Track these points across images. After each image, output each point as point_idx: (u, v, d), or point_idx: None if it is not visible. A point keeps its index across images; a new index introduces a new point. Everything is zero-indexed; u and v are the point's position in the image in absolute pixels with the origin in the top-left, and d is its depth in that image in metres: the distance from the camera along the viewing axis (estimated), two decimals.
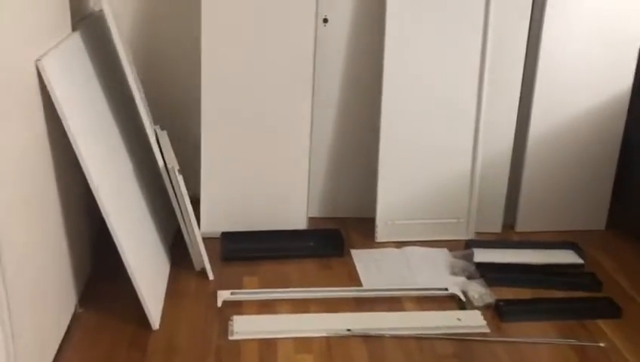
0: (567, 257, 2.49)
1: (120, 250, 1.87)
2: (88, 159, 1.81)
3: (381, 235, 2.58)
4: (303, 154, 2.50)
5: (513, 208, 2.72)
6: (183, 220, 2.22)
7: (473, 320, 2.08)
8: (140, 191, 2.25)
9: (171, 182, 2.16)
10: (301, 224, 2.57)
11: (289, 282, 2.25)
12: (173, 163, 2.16)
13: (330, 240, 2.48)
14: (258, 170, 2.50)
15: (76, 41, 2.07)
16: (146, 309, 1.93)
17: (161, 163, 2.18)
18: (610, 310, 2.18)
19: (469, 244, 2.50)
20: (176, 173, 2.13)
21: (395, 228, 2.57)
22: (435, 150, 2.53)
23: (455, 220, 2.63)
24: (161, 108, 2.58)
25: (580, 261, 2.47)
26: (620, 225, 2.73)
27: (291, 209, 2.54)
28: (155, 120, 2.42)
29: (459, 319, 2.07)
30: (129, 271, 1.89)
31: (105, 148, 2.05)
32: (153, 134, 2.20)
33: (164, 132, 2.34)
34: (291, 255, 2.40)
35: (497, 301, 2.18)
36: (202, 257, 2.21)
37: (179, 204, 2.19)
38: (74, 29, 2.09)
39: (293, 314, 2.07)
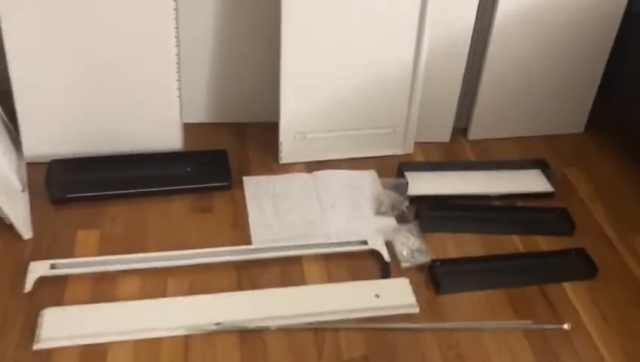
0: (532, 182, 1.88)
1: None
2: None
3: (287, 154, 1.90)
4: (168, 46, 1.71)
5: (467, 109, 2.04)
6: None
7: (398, 296, 1.49)
8: None
9: None
10: (173, 143, 1.85)
11: (145, 237, 1.59)
12: None
13: (213, 166, 1.79)
14: (107, 70, 1.71)
15: None
16: None
17: None
18: (582, 269, 1.61)
19: (403, 168, 1.85)
20: None
21: (306, 144, 1.89)
22: (363, 35, 1.76)
23: (389, 130, 1.95)
24: None
25: (550, 188, 1.88)
26: (603, 126, 2.12)
27: (158, 122, 1.80)
28: None
29: (377, 296, 1.50)
30: None
31: None
32: None
33: None
34: (155, 191, 1.70)
35: (433, 261, 1.61)
36: (5, 204, 1.51)
37: None
38: None
39: (138, 299, 1.43)
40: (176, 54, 1.71)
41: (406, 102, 1.89)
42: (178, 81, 1.74)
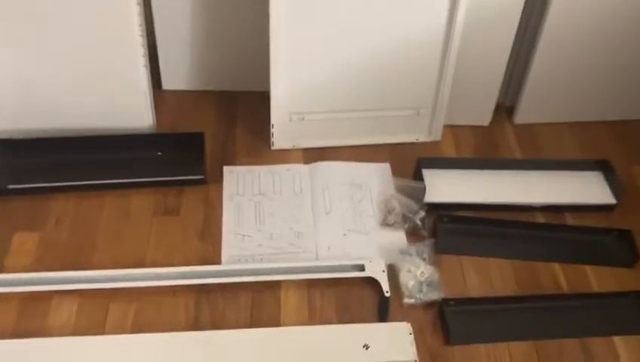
0: (589, 189, 1.47)
1: None
2: None
3: (280, 139, 1.54)
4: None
5: (516, 85, 1.62)
6: None
7: (393, 348, 1.16)
8: None
9: None
10: (140, 121, 1.49)
11: (92, 247, 1.30)
12: None
13: (186, 154, 1.44)
14: (53, 26, 1.35)
15: None
16: None
17: None
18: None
19: (422, 164, 1.46)
20: None
21: (304, 127, 1.53)
22: None
23: (411, 111, 1.57)
24: None
25: (612, 199, 1.47)
26: None
27: (120, 95, 1.45)
28: None
29: (366, 346, 1.18)
30: None
31: None
32: None
33: None
34: (112, 184, 1.40)
35: (445, 301, 1.27)
36: None
37: None
38: None
39: (71, 333, 1.15)
40: (139, 6, 1.34)
41: (435, 75, 1.48)
42: (143, 45, 1.38)
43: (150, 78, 1.43)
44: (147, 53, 1.40)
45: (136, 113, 1.46)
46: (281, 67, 1.41)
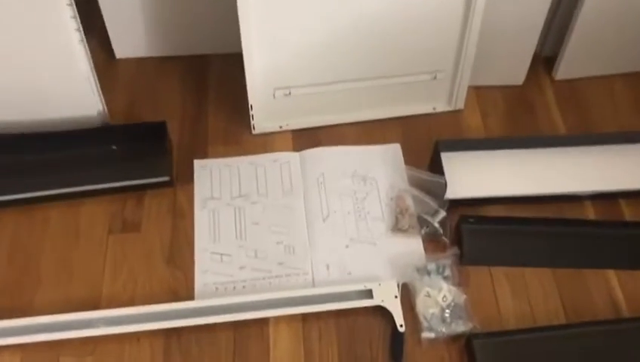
0: None
1: None
2: None
3: (263, 120, 1.22)
4: None
5: (558, 31, 1.29)
6: None
7: None
8: None
9: None
10: (87, 111, 1.18)
11: (35, 282, 1.04)
12: None
13: (147, 149, 1.15)
14: None
15: None
16: None
17: None
18: None
19: (442, 148, 1.15)
20: None
21: (292, 104, 1.21)
22: None
23: (426, 75, 1.24)
24: None
25: None
26: None
27: (57, 79, 1.13)
28: None
29: None
30: None
31: None
32: None
33: None
34: (56, 196, 1.11)
35: (472, 336, 1.02)
36: None
37: None
38: None
39: None
40: None
41: (457, 28, 1.15)
42: (74, 17, 1.03)
43: (90, 55, 1.10)
44: (81, 27, 1.06)
45: (79, 100, 1.15)
46: (254, 29, 1.08)
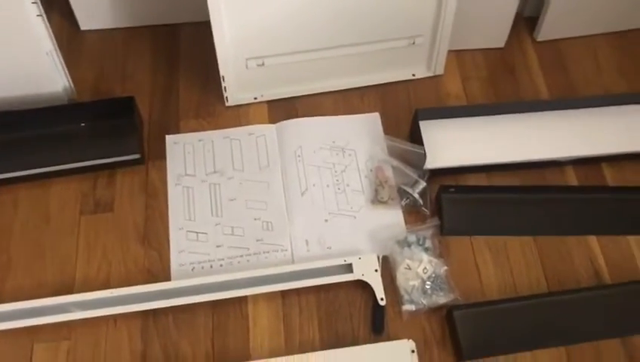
0: (634, 135, 1.14)
1: None
2: None
3: (236, 92, 1.18)
4: None
5: None
6: None
7: None
8: None
9: None
10: (52, 87, 1.13)
11: (5, 266, 1.01)
12: None
13: (115, 125, 1.10)
14: None
15: None
16: None
17: None
18: None
19: (421, 116, 1.12)
20: None
21: (266, 74, 1.16)
22: None
23: (404, 41, 1.20)
24: None
25: None
26: None
27: (18, 55, 1.07)
28: None
29: None
30: None
31: None
32: None
33: None
34: (25, 177, 1.07)
35: (453, 307, 1.01)
36: None
37: None
38: None
39: None
40: None
41: None
42: None
43: (50, 28, 1.05)
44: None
45: (43, 77, 1.10)
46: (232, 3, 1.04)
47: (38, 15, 1.02)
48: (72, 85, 1.15)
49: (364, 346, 0.96)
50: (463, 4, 1.14)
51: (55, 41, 1.08)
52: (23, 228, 1.06)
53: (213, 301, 0.99)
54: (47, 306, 0.97)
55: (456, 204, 1.08)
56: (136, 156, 1.10)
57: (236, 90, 1.17)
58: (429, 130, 1.12)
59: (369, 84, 1.21)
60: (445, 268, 1.02)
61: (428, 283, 1.01)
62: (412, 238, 1.04)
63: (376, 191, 1.10)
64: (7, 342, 0.96)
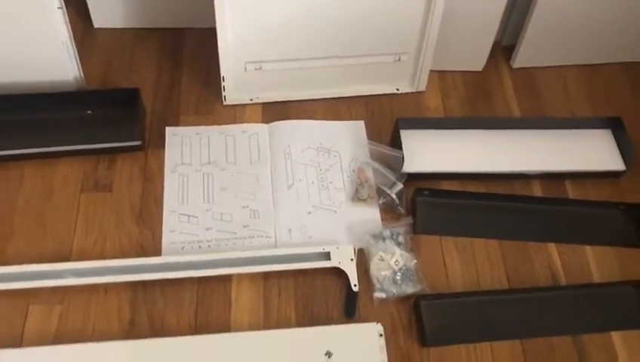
0: (594, 152, 1.26)
1: None
2: None
3: (234, 92, 1.28)
4: None
5: (517, 22, 1.36)
6: None
7: (360, 353, 1.01)
8: None
9: None
10: (64, 75, 1.22)
11: (8, 234, 1.09)
12: None
13: (120, 113, 1.20)
14: None
15: None
16: None
17: None
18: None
19: (402, 125, 1.22)
20: None
21: (263, 78, 1.27)
22: None
23: (391, 57, 1.31)
24: None
25: (620, 165, 1.27)
26: None
27: (35, 45, 1.17)
28: None
29: (329, 354, 1.02)
30: None
31: None
32: None
33: None
34: (32, 154, 1.16)
35: (420, 297, 1.10)
36: None
37: None
38: None
39: None
40: None
41: (421, 12, 1.22)
42: None
43: (68, 21, 1.15)
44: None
45: (57, 65, 1.20)
46: (228, 3, 1.14)
47: (59, 7, 1.13)
48: (83, 75, 1.24)
49: (336, 326, 1.04)
50: (446, 29, 1.26)
51: (71, 33, 1.18)
52: (27, 200, 1.14)
53: (200, 277, 1.07)
54: (44, 271, 1.05)
55: (429, 206, 1.18)
56: (137, 143, 1.19)
57: (234, 90, 1.27)
58: (409, 138, 1.22)
59: (356, 94, 1.32)
60: (415, 261, 1.11)
61: (398, 274, 1.10)
62: (387, 233, 1.13)
63: (356, 189, 1.19)
64: (6, 301, 1.03)
